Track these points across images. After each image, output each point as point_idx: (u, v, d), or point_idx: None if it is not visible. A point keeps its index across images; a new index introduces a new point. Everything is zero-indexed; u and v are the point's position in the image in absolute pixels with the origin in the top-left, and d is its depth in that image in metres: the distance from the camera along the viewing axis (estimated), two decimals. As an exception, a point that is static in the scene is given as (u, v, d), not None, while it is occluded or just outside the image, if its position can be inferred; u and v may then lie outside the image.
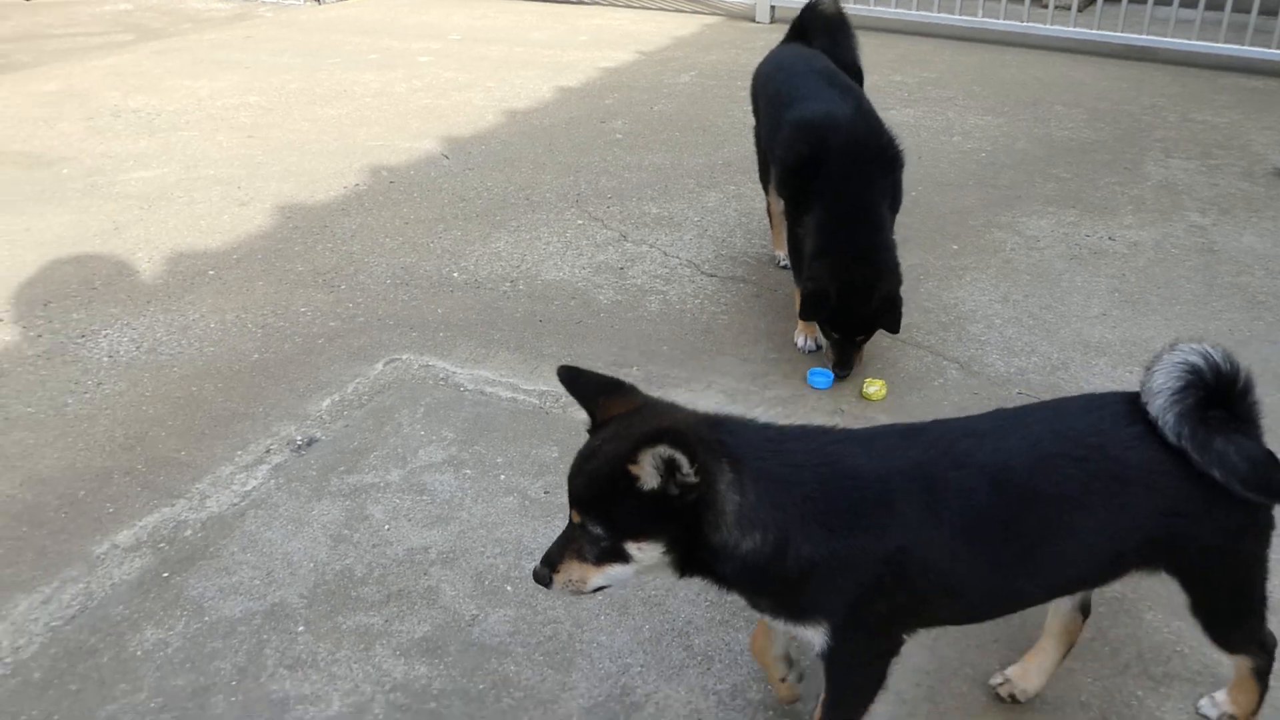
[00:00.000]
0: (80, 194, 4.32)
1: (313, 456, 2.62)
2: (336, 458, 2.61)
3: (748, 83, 5.93)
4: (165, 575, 2.22)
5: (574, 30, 7.38)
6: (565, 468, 2.48)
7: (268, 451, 2.64)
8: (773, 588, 1.57)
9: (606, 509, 1.52)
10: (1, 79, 6.11)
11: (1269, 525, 1.69)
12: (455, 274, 3.62)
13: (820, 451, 1.59)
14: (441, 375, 2.98)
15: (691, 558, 1.54)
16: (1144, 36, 6.55)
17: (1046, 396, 2.77)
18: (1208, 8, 6.52)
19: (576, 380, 1.66)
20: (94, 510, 2.43)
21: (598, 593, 1.60)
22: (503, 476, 2.53)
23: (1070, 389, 2.89)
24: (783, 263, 3.52)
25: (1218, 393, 1.61)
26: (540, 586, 1.59)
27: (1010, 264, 3.68)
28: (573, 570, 1.55)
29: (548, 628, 2.08)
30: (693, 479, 1.44)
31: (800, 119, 3.02)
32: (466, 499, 2.45)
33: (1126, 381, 2.91)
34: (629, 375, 2.92)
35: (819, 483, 1.55)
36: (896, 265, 2.90)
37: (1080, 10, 7.07)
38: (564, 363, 1.69)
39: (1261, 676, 1.83)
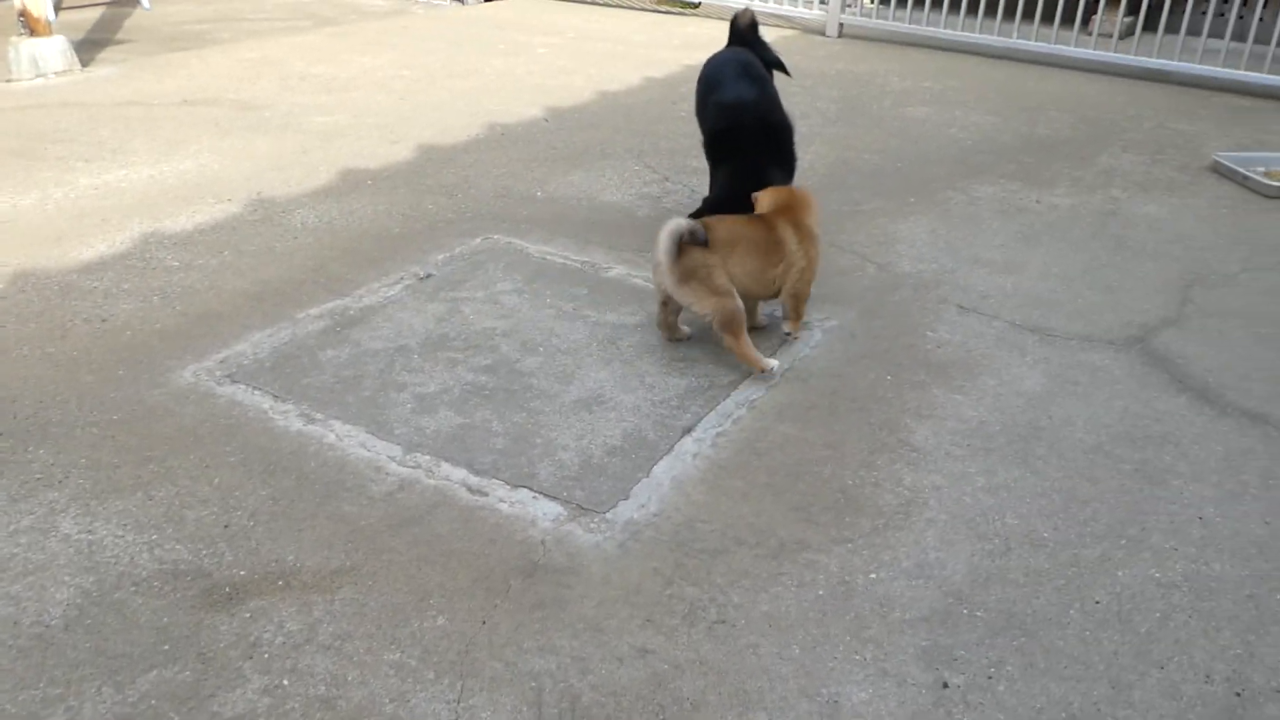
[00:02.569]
0: (278, 129, 5.90)
1: (429, 283, 4.04)
2: (444, 284, 4.03)
3: (798, 82, 7.30)
4: (338, 329, 3.67)
5: (669, 35, 8.78)
6: (589, 299, 3.84)
7: (401, 279, 4.08)
8: None
9: None
10: (213, 49, 7.84)
11: None
12: (538, 193, 5.04)
13: None
14: (519, 247, 4.39)
15: None
16: (1156, 60, 7.59)
17: (931, 287, 4.04)
18: (1234, 39, 7.54)
19: None
20: (295, 298, 3.90)
21: None
22: (548, 299, 3.91)
23: (950, 284, 4.12)
24: None
25: None
26: None
27: (949, 213, 4.91)
28: None
29: (560, 367, 3.44)
30: None
31: (719, 101, 4.17)
32: (523, 308, 3.84)
33: (993, 282, 4.15)
34: (641, 253, 4.27)
35: None
36: None
37: (1121, 38, 8.14)
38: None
39: None
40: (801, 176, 5.32)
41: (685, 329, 3.61)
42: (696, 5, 9.67)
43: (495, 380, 3.35)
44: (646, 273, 4.17)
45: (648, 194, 5.07)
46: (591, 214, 4.80)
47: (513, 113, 6.33)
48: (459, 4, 9.87)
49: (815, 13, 8.90)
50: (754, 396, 3.29)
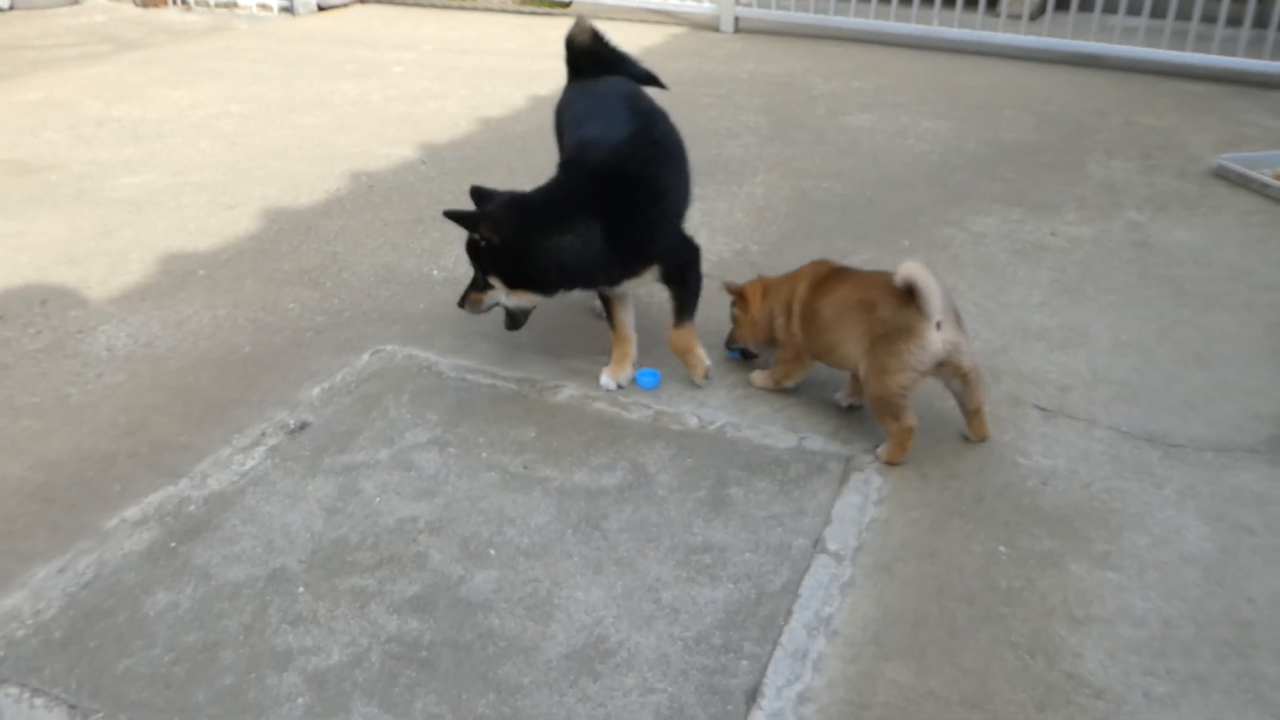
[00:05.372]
0: (70, 199, 4.48)
1: (306, 439, 2.80)
2: (328, 439, 2.79)
3: (710, 89, 6.23)
4: (173, 545, 2.40)
5: (543, 40, 7.58)
6: (543, 446, 2.71)
7: (263, 435, 2.82)
8: None
9: None
10: (-17, 89, 6.24)
11: None
12: (434, 272, 3.82)
13: None
14: (424, 364, 3.18)
15: None
16: (1090, 43, 6.85)
17: (989, 379, 3.02)
18: (1151, 15, 6.85)
19: None
20: (102, 489, 2.60)
21: None
22: (484, 454, 2.73)
23: (1011, 371, 3.12)
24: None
25: None
26: None
27: (958, 258, 3.92)
28: None
29: (528, 586, 2.27)
30: None
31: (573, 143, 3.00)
32: (451, 474, 2.65)
33: (1063, 364, 3.17)
34: (597, 361, 3.14)
35: None
36: (548, 232, 2.85)
37: (1031, 19, 7.39)
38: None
39: None
40: (761, 216, 4.27)
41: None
42: (567, 4, 8.50)
43: (433, 627, 2.16)
44: (602, 393, 3.02)
45: (576, 261, 3.90)
46: (510, 298, 3.60)
47: (377, 155, 5.05)
48: (289, 15, 8.42)
49: (706, 6, 7.85)
50: (828, 611, 2.20)
